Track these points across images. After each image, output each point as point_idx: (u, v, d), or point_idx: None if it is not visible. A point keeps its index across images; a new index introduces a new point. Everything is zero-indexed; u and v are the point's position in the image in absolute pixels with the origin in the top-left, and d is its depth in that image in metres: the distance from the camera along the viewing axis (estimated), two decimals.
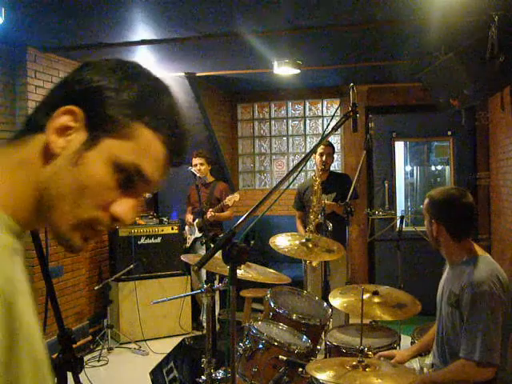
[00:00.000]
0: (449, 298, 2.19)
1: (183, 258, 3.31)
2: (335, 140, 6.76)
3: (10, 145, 0.73)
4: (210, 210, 5.11)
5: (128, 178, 0.73)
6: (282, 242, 3.21)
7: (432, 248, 2.33)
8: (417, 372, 2.48)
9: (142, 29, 3.99)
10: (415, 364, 2.62)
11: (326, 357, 2.84)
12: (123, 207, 0.74)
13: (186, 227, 5.57)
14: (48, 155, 0.71)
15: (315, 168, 4.77)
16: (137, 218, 5.81)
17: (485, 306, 2.02)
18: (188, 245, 5.48)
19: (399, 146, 6.86)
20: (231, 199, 5.07)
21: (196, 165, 5.19)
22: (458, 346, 2.11)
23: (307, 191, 4.61)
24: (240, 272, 2.64)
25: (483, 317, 2.01)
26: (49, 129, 0.71)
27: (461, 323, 2.10)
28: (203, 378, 2.78)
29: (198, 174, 4.86)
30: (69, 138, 0.71)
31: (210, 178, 5.52)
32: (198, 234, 5.37)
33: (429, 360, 2.55)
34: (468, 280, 2.08)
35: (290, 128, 7.21)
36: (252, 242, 6.26)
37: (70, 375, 1.53)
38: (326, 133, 2.66)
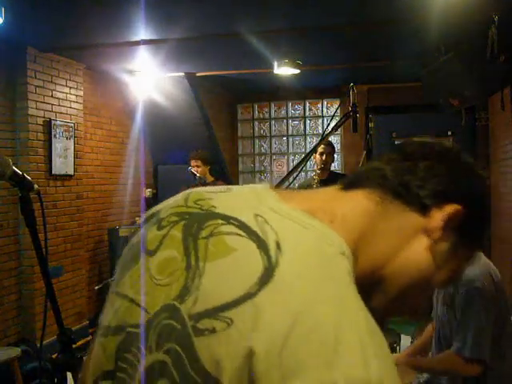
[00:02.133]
0: (443, 297, 2.21)
1: None
2: (335, 140, 6.76)
3: (390, 198, 0.71)
4: None
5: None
6: None
7: None
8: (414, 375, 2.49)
9: (142, 29, 3.99)
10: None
11: None
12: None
13: None
14: (424, 240, 0.70)
15: (315, 167, 4.77)
16: (137, 218, 5.81)
17: (477, 303, 2.03)
18: None
19: None
20: None
21: (194, 167, 5.22)
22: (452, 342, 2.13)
23: (307, 189, 4.61)
24: None
25: (475, 314, 2.03)
26: (435, 218, 0.69)
27: (454, 320, 2.11)
28: None
29: (197, 174, 4.89)
30: (445, 236, 0.71)
31: (210, 178, 5.52)
32: None
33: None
34: (462, 278, 2.10)
35: (290, 128, 7.21)
36: None
37: (69, 375, 1.53)
38: (326, 133, 2.66)
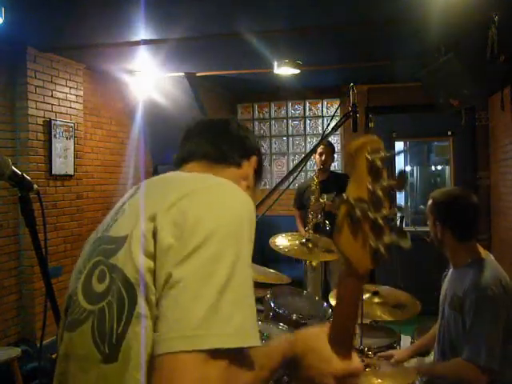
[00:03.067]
0: (451, 300, 2.17)
1: None
2: (335, 140, 6.75)
3: (215, 164, 1.13)
4: None
5: None
6: (281, 241, 3.21)
7: (436, 248, 2.30)
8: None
9: (142, 29, 3.99)
10: (414, 364, 2.61)
11: None
12: None
13: None
14: (244, 183, 1.15)
15: (315, 168, 4.78)
16: None
17: (488, 311, 2.00)
18: None
19: (399, 146, 6.86)
20: None
21: None
22: (459, 348, 2.09)
23: (307, 190, 4.61)
24: None
25: (486, 322, 1.99)
26: (246, 167, 1.16)
27: (463, 326, 2.08)
28: None
29: None
30: (252, 177, 1.18)
31: None
32: None
33: (429, 360, 2.54)
34: (471, 284, 2.06)
35: (290, 128, 7.20)
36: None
37: None
38: (325, 133, 2.66)
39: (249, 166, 1.16)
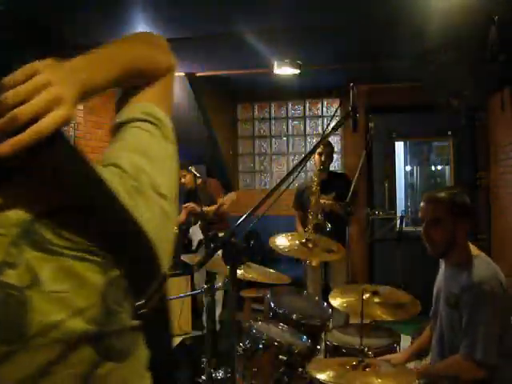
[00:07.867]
0: (447, 298, 2.18)
1: (183, 257, 3.32)
2: (335, 140, 6.75)
3: None
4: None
5: None
6: (281, 241, 3.21)
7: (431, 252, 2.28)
8: None
9: (142, 29, 3.99)
10: (413, 367, 2.62)
11: (325, 357, 2.84)
12: None
13: (191, 229, 5.56)
14: None
15: (314, 168, 4.78)
16: None
17: (486, 306, 2.01)
18: (194, 247, 5.48)
19: (399, 146, 6.86)
20: (228, 199, 5.13)
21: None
22: (456, 345, 2.10)
23: (306, 191, 4.61)
24: (240, 272, 2.64)
25: (484, 317, 2.01)
26: None
27: (460, 323, 2.09)
28: (203, 377, 2.78)
29: (198, 175, 4.84)
30: None
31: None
32: (201, 236, 5.35)
33: (426, 362, 2.55)
34: (468, 280, 2.08)
35: (290, 128, 7.20)
36: (252, 242, 6.26)
37: None
38: (325, 133, 2.66)
39: None
